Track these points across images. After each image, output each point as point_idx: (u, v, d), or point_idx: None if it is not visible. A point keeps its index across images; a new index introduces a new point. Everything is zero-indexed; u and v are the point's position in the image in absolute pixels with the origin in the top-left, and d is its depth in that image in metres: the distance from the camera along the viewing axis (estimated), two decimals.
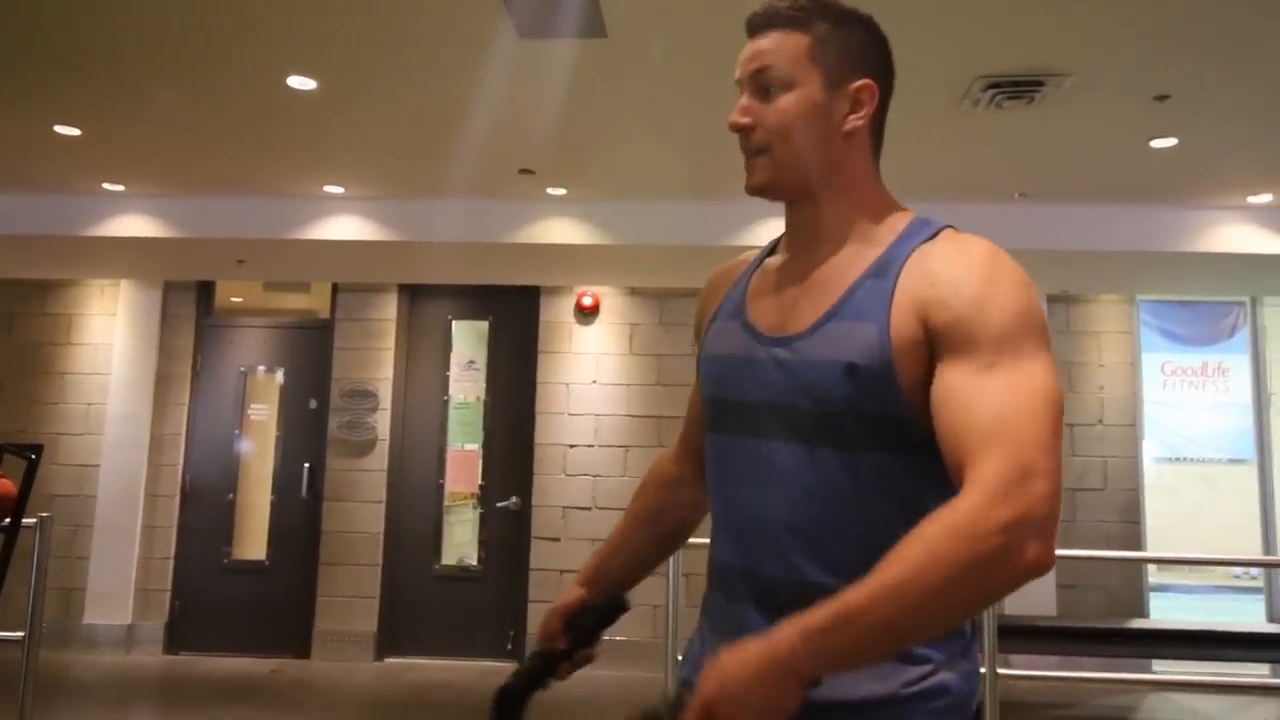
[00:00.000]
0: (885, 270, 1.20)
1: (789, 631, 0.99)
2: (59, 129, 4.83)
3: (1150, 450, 6.99)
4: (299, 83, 4.21)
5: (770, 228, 5.65)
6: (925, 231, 1.25)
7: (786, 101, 1.25)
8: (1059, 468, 1.02)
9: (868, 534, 1.15)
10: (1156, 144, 4.74)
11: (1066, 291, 6.88)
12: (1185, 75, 3.96)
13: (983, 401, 1.06)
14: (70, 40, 3.86)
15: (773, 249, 1.40)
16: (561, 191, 5.74)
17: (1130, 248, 5.80)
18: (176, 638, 6.90)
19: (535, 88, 4.18)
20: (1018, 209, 5.76)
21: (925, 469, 1.15)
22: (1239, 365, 7.12)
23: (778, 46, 1.25)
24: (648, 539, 1.55)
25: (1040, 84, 4.02)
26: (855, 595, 0.98)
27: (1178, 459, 7.08)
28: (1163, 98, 4.17)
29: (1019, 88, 4.05)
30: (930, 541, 0.98)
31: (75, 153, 5.17)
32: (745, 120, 1.26)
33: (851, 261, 1.24)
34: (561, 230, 5.91)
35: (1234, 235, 5.77)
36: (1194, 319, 7.15)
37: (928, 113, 4.42)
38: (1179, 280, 6.64)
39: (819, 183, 1.28)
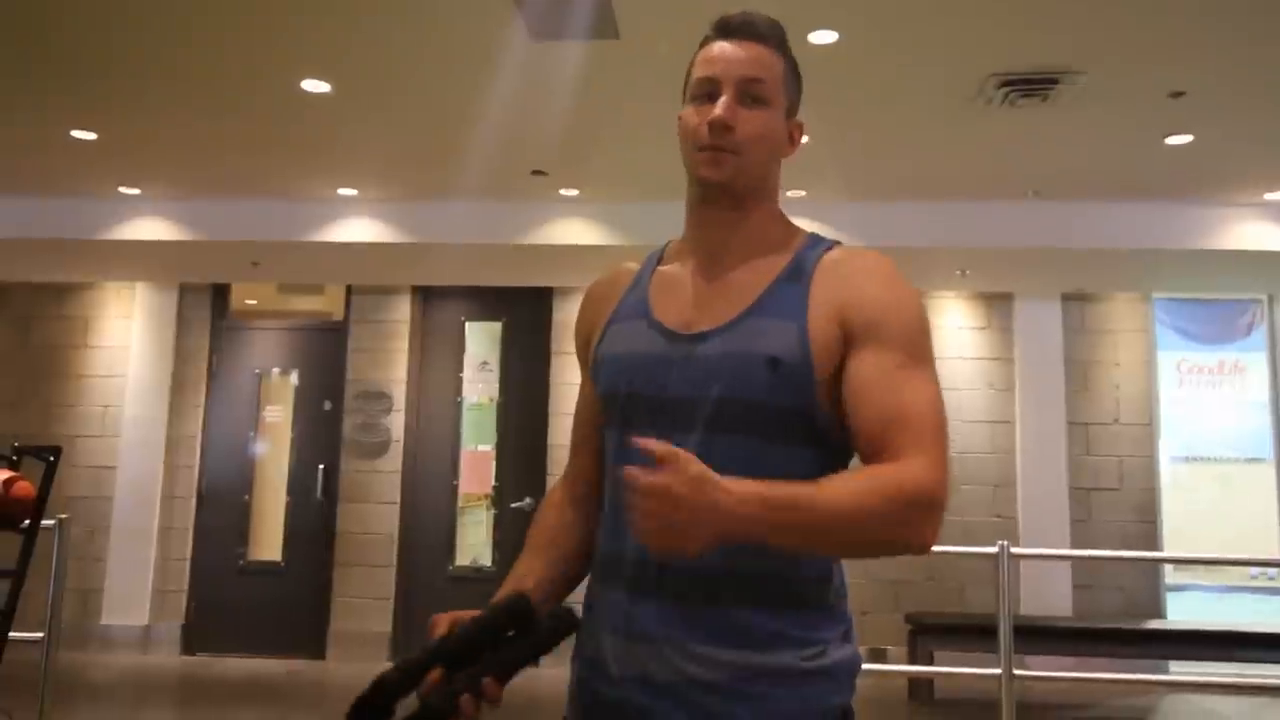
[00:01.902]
0: (798, 275, 1.30)
1: (752, 490, 1.07)
2: (76, 133, 4.87)
3: (1166, 449, 6.94)
4: (313, 86, 4.23)
5: None
6: (824, 244, 1.36)
7: (765, 116, 1.32)
8: (949, 463, 1.19)
9: None
10: (1172, 141, 4.71)
11: (1081, 290, 6.85)
12: (1200, 72, 3.94)
13: (903, 396, 1.20)
14: (87, 46, 3.89)
15: (660, 257, 1.45)
16: (574, 193, 5.75)
17: (1145, 245, 5.77)
18: (193, 639, 6.94)
19: (548, 89, 4.19)
20: (1032, 207, 5.74)
21: (825, 464, 1.26)
22: (1256, 363, 7.07)
23: (767, 64, 1.33)
24: (549, 565, 1.42)
25: (1055, 81, 4.00)
26: (808, 491, 1.10)
27: (1194, 458, 7.03)
28: (1178, 94, 4.15)
29: (1033, 85, 4.04)
30: (880, 481, 1.14)
31: (92, 157, 5.20)
32: (732, 119, 1.30)
33: (765, 266, 1.33)
34: (574, 231, 5.92)
35: (1250, 232, 5.73)
36: (1210, 317, 7.11)
37: (941, 111, 4.41)
38: (1195, 278, 6.60)
39: (757, 194, 1.36)
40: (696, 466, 1.03)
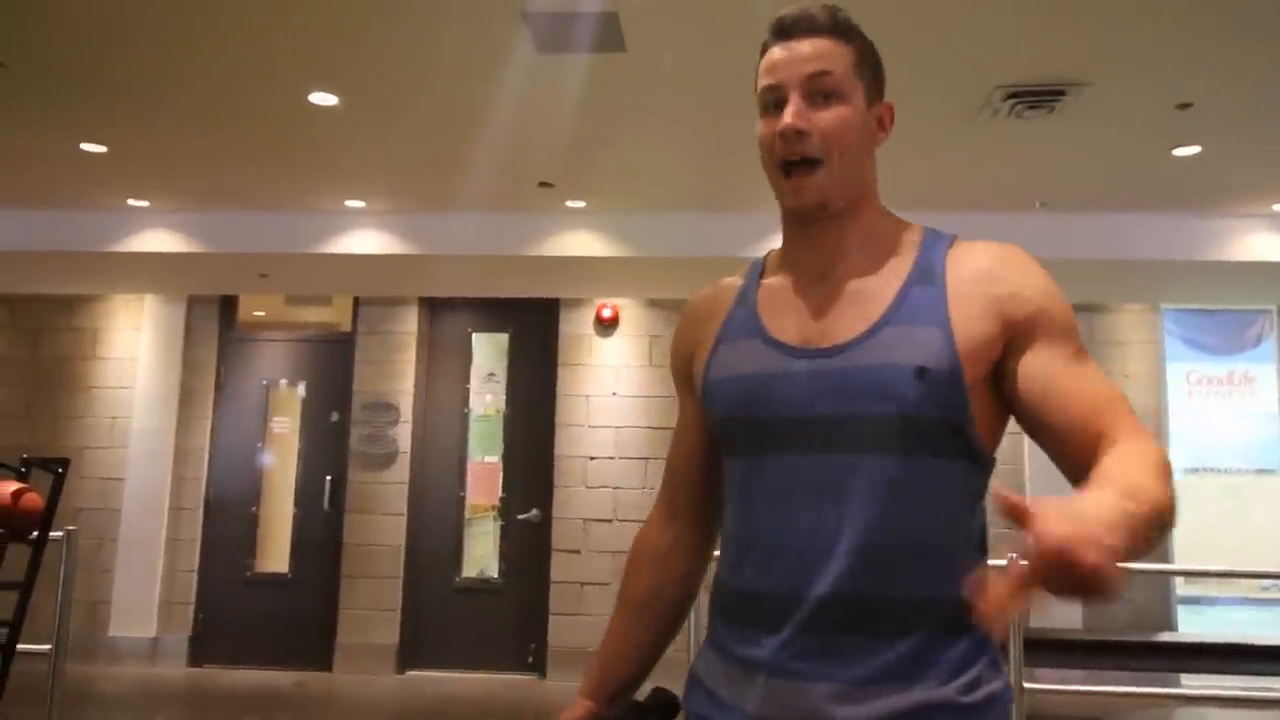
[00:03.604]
0: (929, 276, 1.21)
1: (1115, 515, 0.91)
2: (85, 146, 4.89)
3: (1176, 461, 6.83)
4: (321, 99, 4.25)
5: (780, 241, 5.64)
6: (943, 238, 1.28)
7: (842, 112, 1.23)
8: None
9: (931, 541, 1.16)
10: (1179, 152, 4.70)
11: (1090, 301, 6.83)
12: (1208, 83, 3.94)
13: (1097, 385, 1.16)
14: (96, 59, 3.91)
15: (762, 270, 1.36)
16: (581, 204, 5.76)
17: (1154, 256, 5.75)
18: (200, 650, 6.94)
19: (554, 101, 4.20)
20: (1039, 219, 5.73)
21: (969, 478, 1.20)
22: (1265, 374, 7.04)
23: (832, 55, 1.23)
24: (650, 628, 1.41)
25: (1061, 93, 4.00)
26: (1130, 494, 0.97)
27: (1204, 469, 7.00)
28: (1185, 106, 4.14)
29: (1039, 97, 4.04)
30: (1153, 463, 1.06)
31: (101, 169, 5.23)
32: (803, 125, 1.21)
33: (888, 269, 1.24)
34: (581, 243, 5.92)
35: (1259, 243, 5.71)
36: (1219, 328, 7.08)
37: (947, 123, 4.41)
38: (1204, 289, 6.58)
39: (858, 195, 1.27)
40: (1090, 521, 0.86)
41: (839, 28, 1.25)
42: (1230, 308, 7.03)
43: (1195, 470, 6.97)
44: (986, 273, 1.21)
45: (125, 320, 7.28)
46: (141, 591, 6.91)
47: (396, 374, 7.06)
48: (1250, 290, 6.58)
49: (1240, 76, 3.87)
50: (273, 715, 5.81)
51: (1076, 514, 0.86)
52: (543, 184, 5.38)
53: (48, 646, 4.09)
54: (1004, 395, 1.20)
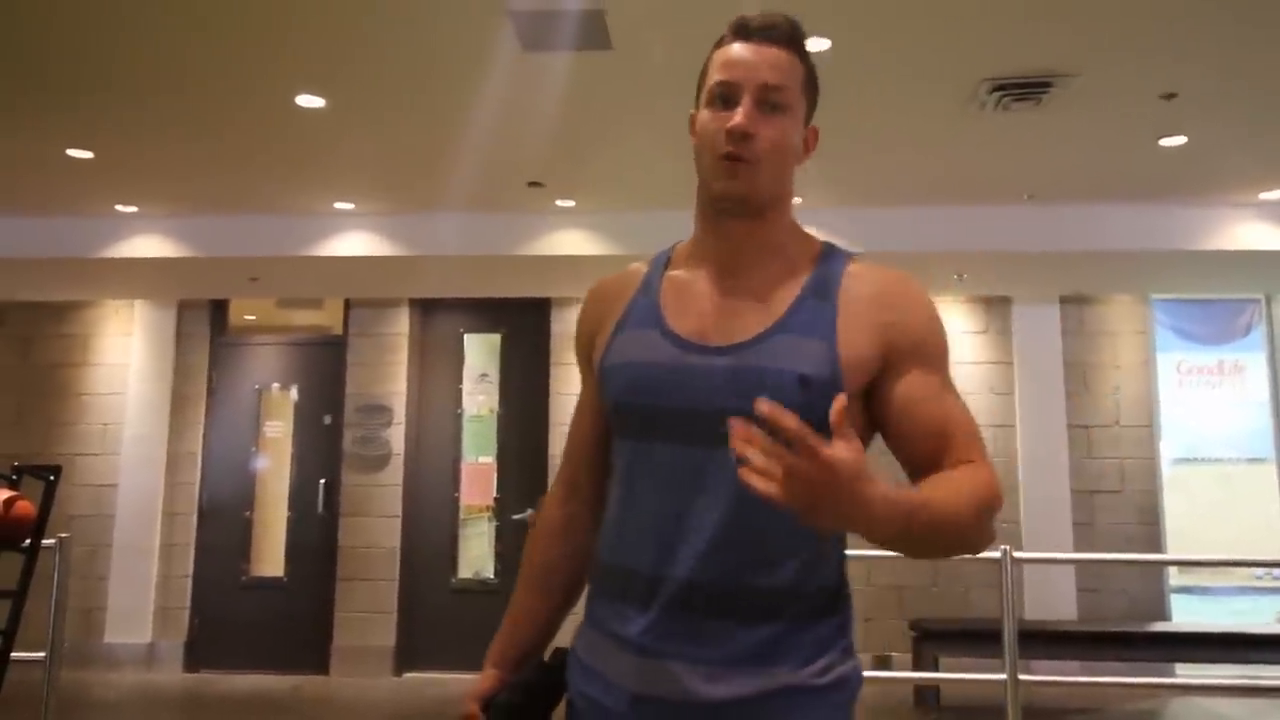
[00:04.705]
0: (824, 292, 1.29)
1: (897, 495, 1.05)
2: (72, 152, 4.88)
3: (1167, 451, 6.94)
4: (308, 101, 4.24)
5: None
6: (842, 256, 1.35)
7: (784, 124, 1.29)
8: None
9: (795, 536, 1.20)
10: (1165, 142, 4.72)
11: (1079, 292, 6.85)
12: (1193, 72, 3.96)
13: (954, 412, 1.27)
14: (82, 64, 3.90)
15: (668, 261, 1.41)
16: (570, 203, 5.76)
17: (1142, 247, 5.77)
18: (196, 656, 6.92)
19: (542, 101, 4.20)
20: (1027, 210, 5.75)
21: None
22: (1255, 363, 7.07)
23: (788, 69, 1.29)
24: (548, 599, 1.48)
25: (1048, 85, 4.01)
26: (927, 495, 1.14)
27: (1195, 459, 7.03)
28: (1170, 96, 4.16)
29: (1026, 89, 4.05)
30: (975, 485, 1.18)
31: (88, 175, 5.22)
32: (753, 129, 1.26)
33: (786, 279, 1.31)
34: (571, 242, 5.93)
35: (1246, 232, 5.74)
36: (1208, 317, 7.11)
37: (934, 116, 4.42)
38: (1192, 279, 6.61)
39: (774, 204, 1.33)
40: (855, 461, 0.98)
41: (798, 44, 1.32)
42: (1219, 297, 7.06)
43: (1186, 460, 7.00)
44: (877, 299, 1.29)
45: (116, 326, 7.26)
46: (136, 597, 6.89)
47: (389, 376, 7.06)
48: (1239, 279, 6.61)
49: (1225, 66, 3.89)
50: None
51: (853, 471, 0.98)
52: (532, 183, 5.38)
53: (42, 654, 4.08)
54: (872, 410, 1.29)
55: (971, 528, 1.16)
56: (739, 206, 1.30)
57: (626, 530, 1.29)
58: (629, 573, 1.27)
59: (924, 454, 1.25)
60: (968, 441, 1.25)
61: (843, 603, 1.31)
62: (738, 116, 1.26)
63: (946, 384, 1.30)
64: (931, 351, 1.29)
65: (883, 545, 1.08)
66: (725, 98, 1.29)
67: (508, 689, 1.38)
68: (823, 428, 1.15)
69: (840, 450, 0.97)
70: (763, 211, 1.31)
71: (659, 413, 1.27)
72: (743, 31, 1.31)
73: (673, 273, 1.38)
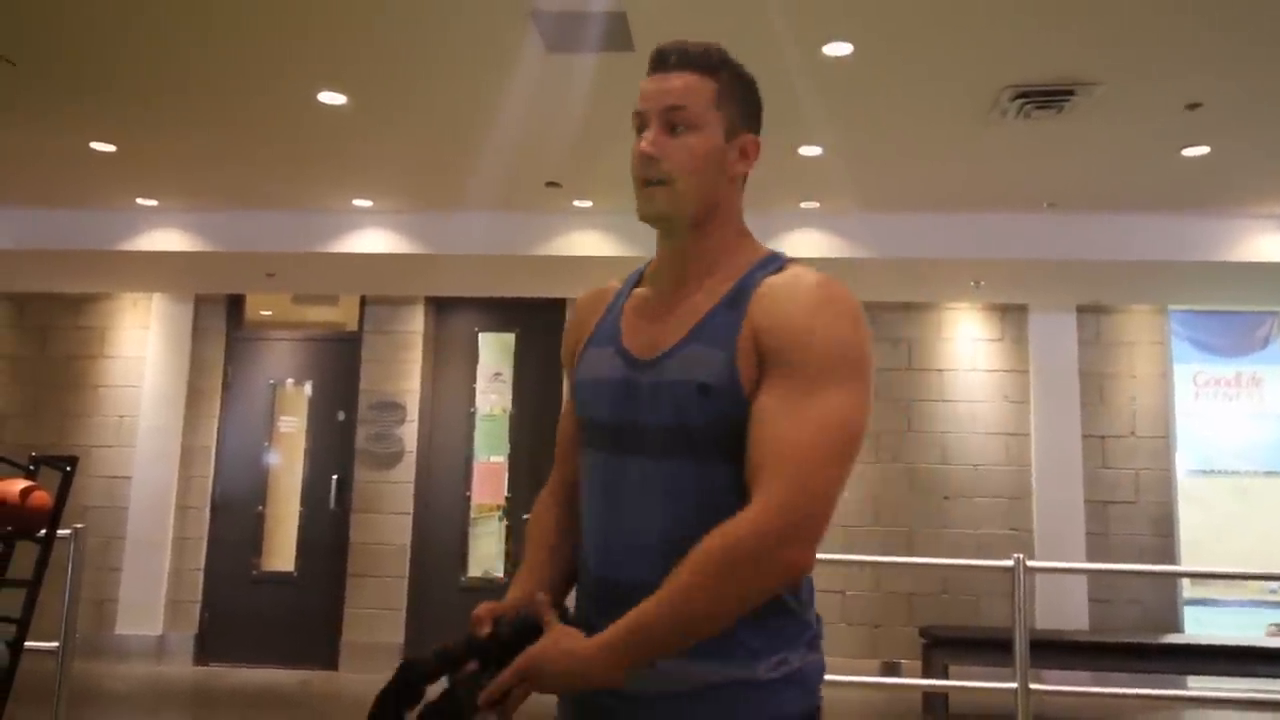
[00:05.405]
0: (737, 301, 1.32)
1: (594, 643, 1.19)
2: (95, 145, 4.91)
3: (1183, 462, 6.89)
4: (329, 98, 4.25)
5: (789, 240, 5.64)
6: (773, 265, 1.37)
7: (693, 141, 1.34)
8: (831, 486, 1.21)
9: None
10: (1188, 153, 4.69)
11: (1097, 302, 6.81)
12: (1217, 83, 3.93)
13: (780, 427, 1.22)
14: (105, 59, 3.92)
15: (639, 278, 1.49)
16: (588, 204, 5.76)
17: (1161, 257, 5.73)
18: (206, 648, 6.95)
19: (562, 101, 4.20)
20: (1047, 219, 5.72)
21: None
22: (1273, 376, 7.02)
23: (690, 89, 1.35)
24: (557, 561, 1.50)
25: (1070, 93, 3.99)
26: (647, 606, 1.18)
27: (1211, 471, 6.98)
28: (1194, 106, 4.13)
29: (1048, 97, 4.03)
30: (710, 552, 1.18)
31: (110, 168, 5.25)
32: (655, 151, 1.34)
33: (710, 292, 1.35)
34: (587, 243, 5.93)
35: (1267, 244, 5.69)
36: (1226, 329, 7.06)
37: (955, 124, 4.40)
38: (1211, 290, 6.56)
39: (703, 219, 1.37)
40: (538, 653, 1.20)
41: (707, 64, 1.37)
42: (1238, 309, 7.01)
43: (1203, 472, 6.95)
44: (768, 303, 1.30)
45: (133, 319, 7.29)
46: (148, 590, 6.93)
47: (403, 373, 7.07)
48: (1258, 292, 6.55)
49: (1250, 77, 3.86)
50: (278, 714, 5.82)
51: (543, 658, 1.20)
52: (550, 184, 5.39)
53: (55, 644, 4.10)
54: None
55: (712, 597, 1.18)
56: (665, 225, 1.38)
57: (590, 537, 1.40)
58: (596, 578, 1.38)
59: (748, 474, 1.24)
60: (764, 470, 1.21)
61: (799, 599, 1.32)
62: (642, 142, 1.36)
63: (807, 392, 1.23)
64: (795, 359, 1.25)
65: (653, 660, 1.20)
66: (640, 128, 1.38)
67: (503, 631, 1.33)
68: (725, 433, 1.27)
69: (534, 649, 1.19)
70: (695, 226, 1.37)
71: (601, 425, 1.38)
72: (654, 63, 1.39)
73: (639, 290, 1.47)
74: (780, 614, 1.30)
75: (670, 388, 1.31)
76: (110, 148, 4.94)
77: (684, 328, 1.34)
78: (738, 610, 1.20)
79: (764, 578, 1.19)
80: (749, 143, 1.40)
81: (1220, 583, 6.87)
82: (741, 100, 1.39)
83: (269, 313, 7.60)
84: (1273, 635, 6.61)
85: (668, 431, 1.31)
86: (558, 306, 7.09)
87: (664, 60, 1.38)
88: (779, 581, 1.20)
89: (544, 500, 1.58)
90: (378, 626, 6.81)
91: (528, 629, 1.28)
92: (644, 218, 1.39)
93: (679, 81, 1.35)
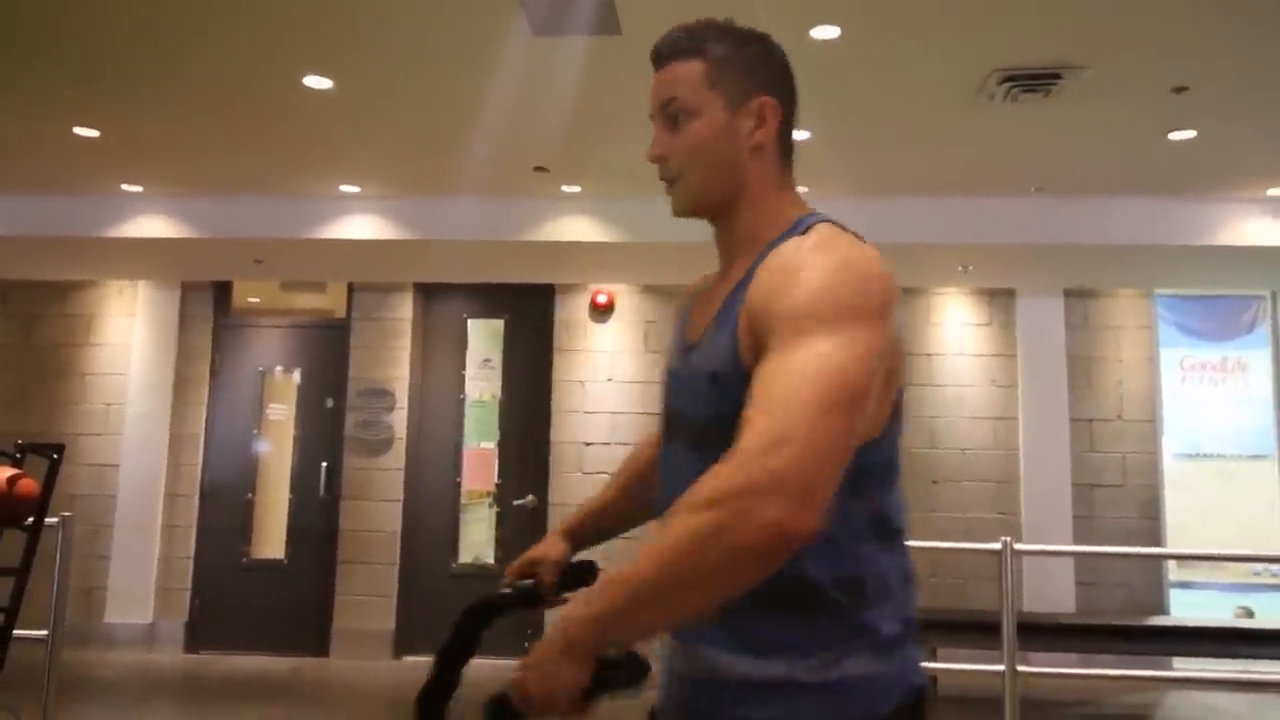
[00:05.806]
0: (748, 279, 1.26)
1: (577, 612, 1.08)
2: (78, 130, 4.87)
3: (1170, 446, 6.93)
4: (315, 83, 4.23)
5: None
6: (795, 231, 1.27)
7: (694, 128, 1.32)
8: (818, 436, 1.03)
9: None
10: (1175, 136, 4.70)
11: (1084, 286, 6.84)
12: (1204, 67, 3.94)
13: (763, 384, 1.10)
14: (89, 43, 3.89)
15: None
16: (576, 189, 5.75)
17: (1148, 241, 5.76)
18: (196, 636, 6.95)
19: (550, 85, 4.19)
20: (1034, 203, 5.73)
21: None
22: (1259, 360, 7.06)
23: (677, 78, 1.33)
24: (631, 504, 1.63)
25: (1057, 77, 4.00)
26: (624, 568, 1.06)
27: (1197, 455, 7.02)
28: (1181, 90, 4.14)
29: (1035, 81, 4.03)
30: (679, 511, 1.05)
31: (94, 154, 5.21)
32: (660, 151, 1.34)
33: (740, 272, 1.30)
34: (576, 228, 5.92)
35: (1253, 228, 5.72)
36: (1213, 314, 7.10)
37: (944, 107, 4.40)
38: (1197, 274, 6.59)
39: (731, 201, 1.34)
40: (528, 659, 1.12)
41: (688, 47, 1.34)
42: (1224, 293, 7.04)
43: (1189, 456, 7.00)
44: (762, 273, 1.23)
45: (119, 306, 7.26)
46: (137, 578, 6.91)
47: (392, 360, 7.06)
48: (1244, 275, 6.59)
49: (1237, 60, 3.87)
50: (269, 701, 5.82)
51: (531, 659, 1.11)
52: (538, 169, 5.37)
53: (44, 632, 4.09)
54: None
55: (698, 555, 1.01)
56: (697, 216, 1.38)
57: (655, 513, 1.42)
58: None
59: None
60: (747, 428, 1.06)
61: (865, 599, 1.22)
62: (654, 146, 1.36)
63: (789, 345, 1.11)
64: (777, 310, 1.14)
65: (635, 638, 1.10)
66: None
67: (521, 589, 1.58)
68: (729, 421, 1.12)
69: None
70: (726, 210, 1.35)
71: (663, 411, 1.42)
72: (653, 63, 1.38)
73: (709, 275, 1.46)
74: (836, 611, 1.19)
75: (693, 378, 1.30)
76: (94, 133, 4.90)
77: (711, 314, 1.32)
78: (716, 583, 1.03)
79: (737, 538, 0.99)
80: (764, 105, 1.31)
81: (1206, 565, 6.93)
82: (742, 68, 1.32)
83: (257, 300, 7.56)
84: (1239, 618, 6.67)
85: (697, 421, 1.29)
86: (547, 292, 7.08)
87: (657, 58, 1.38)
88: (762, 546, 1.00)
89: (645, 440, 1.64)
90: (368, 613, 6.82)
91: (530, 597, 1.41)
92: (676, 215, 1.40)
93: (668, 74, 1.35)
